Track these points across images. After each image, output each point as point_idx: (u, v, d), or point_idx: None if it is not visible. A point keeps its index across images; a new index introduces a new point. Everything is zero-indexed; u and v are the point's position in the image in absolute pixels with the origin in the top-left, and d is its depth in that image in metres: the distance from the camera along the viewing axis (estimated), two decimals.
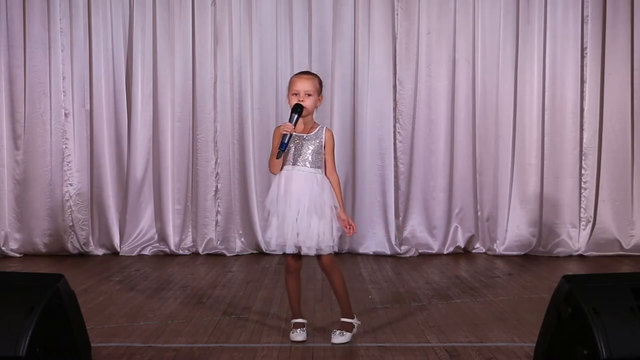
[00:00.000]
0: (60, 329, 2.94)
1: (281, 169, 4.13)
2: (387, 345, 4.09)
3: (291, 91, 4.14)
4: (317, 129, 4.17)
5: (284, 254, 4.18)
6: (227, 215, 7.34)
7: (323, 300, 5.17)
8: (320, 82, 4.21)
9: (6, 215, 7.26)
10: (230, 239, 7.33)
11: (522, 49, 7.26)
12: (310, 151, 4.10)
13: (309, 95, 4.10)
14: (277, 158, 4.06)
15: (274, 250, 4.17)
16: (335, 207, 4.12)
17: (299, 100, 4.09)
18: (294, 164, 4.10)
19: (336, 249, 4.23)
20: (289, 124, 4.02)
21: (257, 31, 7.30)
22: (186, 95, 7.31)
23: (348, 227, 4.13)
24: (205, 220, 7.32)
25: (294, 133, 4.06)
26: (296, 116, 4.04)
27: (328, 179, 4.15)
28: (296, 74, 4.26)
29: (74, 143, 7.32)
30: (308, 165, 4.10)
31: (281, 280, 5.96)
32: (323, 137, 4.15)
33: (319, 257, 4.14)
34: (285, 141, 4.00)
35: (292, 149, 4.09)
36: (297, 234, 4.04)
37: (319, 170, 4.13)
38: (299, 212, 4.04)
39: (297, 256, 4.16)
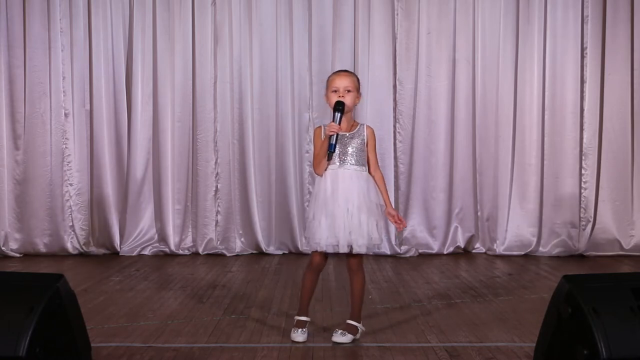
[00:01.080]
0: (60, 329, 2.94)
1: (326, 169, 4.11)
2: (387, 345, 4.09)
3: (330, 89, 4.11)
4: (359, 126, 4.17)
5: (313, 251, 4.14)
6: (227, 215, 7.34)
7: (323, 300, 5.17)
8: (358, 80, 4.21)
9: (6, 215, 7.26)
10: (230, 239, 7.33)
11: (522, 49, 7.26)
12: (354, 149, 4.10)
13: (349, 91, 4.09)
14: (328, 160, 4.05)
15: (322, 249, 4.09)
16: (381, 204, 4.11)
17: (339, 97, 4.06)
18: (339, 163, 4.09)
19: (381, 247, 4.22)
20: (334, 124, 4.00)
21: (257, 31, 7.31)
22: (186, 95, 7.31)
23: (398, 222, 4.14)
24: (205, 220, 7.32)
25: (341, 131, 4.04)
26: (339, 115, 4.02)
27: (372, 176, 4.15)
28: (334, 72, 4.25)
29: (74, 143, 7.32)
30: (353, 163, 4.09)
31: (281, 280, 5.97)
32: (365, 135, 4.15)
33: (348, 257, 4.13)
34: (333, 142, 4.00)
35: (337, 148, 4.08)
36: (350, 233, 4.03)
37: (364, 168, 4.13)
38: (349, 210, 4.03)
39: (325, 255, 4.14)
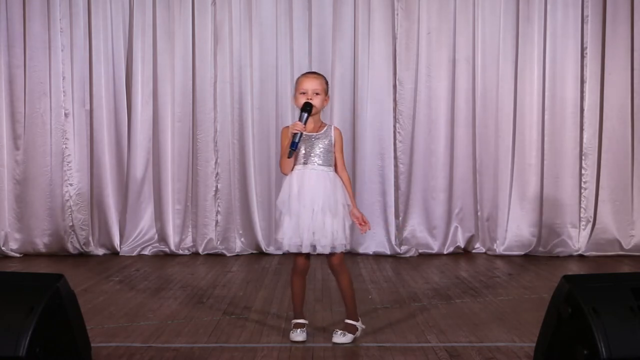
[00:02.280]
0: (60, 329, 2.94)
1: (292, 168, 4.12)
2: (387, 345, 4.09)
3: (299, 90, 4.13)
4: (326, 127, 4.18)
5: (294, 253, 4.17)
6: (227, 215, 7.34)
7: (323, 300, 5.17)
8: (327, 82, 4.22)
9: (6, 215, 7.26)
10: (230, 239, 7.33)
11: (522, 48, 7.26)
12: (320, 150, 4.11)
13: (317, 94, 4.11)
14: (288, 157, 4.06)
15: (287, 251, 4.14)
16: (348, 205, 4.12)
17: (308, 99, 4.08)
18: (305, 163, 4.10)
19: (348, 247, 4.23)
20: (299, 123, 4.02)
21: (257, 31, 7.31)
22: (186, 95, 7.32)
23: (362, 224, 4.14)
24: (205, 220, 7.32)
25: (304, 132, 4.06)
26: (306, 115, 4.04)
27: (339, 177, 4.16)
28: (303, 74, 4.27)
29: (74, 143, 7.32)
30: (320, 163, 4.10)
31: (281, 280, 5.96)
32: (332, 136, 4.16)
33: (329, 257, 4.14)
34: (296, 140, 4.01)
35: (303, 149, 4.09)
36: (313, 233, 4.04)
37: (330, 168, 4.13)
38: (314, 211, 4.04)
39: (307, 256, 4.16)
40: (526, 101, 7.30)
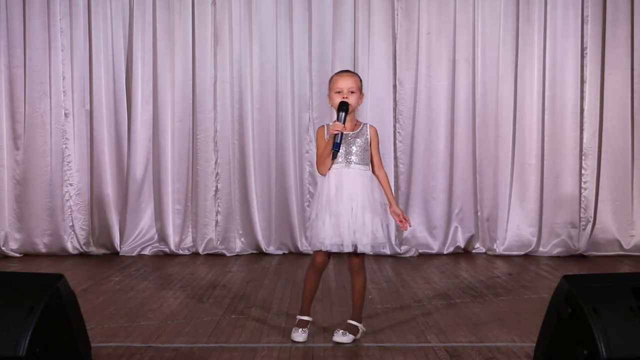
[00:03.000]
0: (60, 329, 2.94)
1: (329, 168, 4.11)
2: (387, 345, 4.09)
3: (333, 89, 4.12)
4: (362, 126, 4.18)
5: (314, 251, 4.15)
6: (227, 215, 7.34)
7: (323, 300, 5.17)
8: (361, 80, 4.21)
9: (6, 215, 7.26)
10: (230, 239, 7.33)
11: (522, 48, 7.26)
12: (357, 148, 4.10)
13: (352, 92, 4.10)
14: (333, 158, 4.05)
15: (326, 249, 4.08)
16: (385, 203, 4.12)
17: (344, 98, 4.07)
18: (343, 163, 4.09)
19: (387, 247, 4.22)
20: (338, 123, 4.00)
21: (257, 31, 7.31)
22: (186, 95, 7.31)
23: (403, 221, 4.14)
24: (205, 220, 7.32)
25: (345, 130, 4.04)
26: (343, 114, 4.03)
27: (376, 175, 4.15)
28: (337, 73, 4.24)
29: (74, 143, 7.32)
30: (357, 162, 4.09)
31: (281, 280, 5.96)
32: (368, 134, 4.16)
33: (350, 256, 4.12)
34: (338, 141, 4.00)
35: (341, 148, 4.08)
36: (354, 232, 4.02)
37: (367, 167, 4.13)
38: (353, 210, 4.03)
39: (328, 255, 4.13)
40: (526, 101, 7.30)
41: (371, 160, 4.17)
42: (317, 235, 4.07)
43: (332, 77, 4.20)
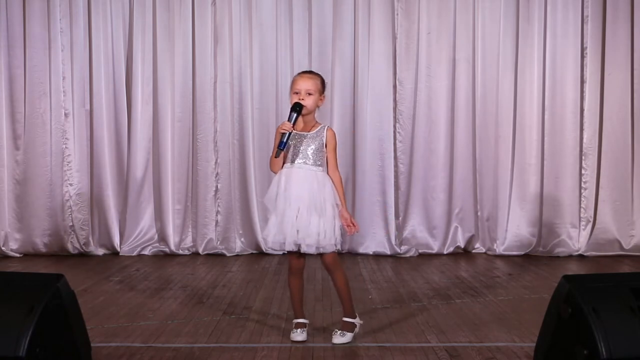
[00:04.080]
0: (60, 329, 2.94)
1: (281, 167, 4.13)
2: (387, 345, 4.09)
3: (292, 90, 4.16)
4: (319, 127, 4.18)
5: (287, 253, 4.20)
6: (227, 215, 7.34)
7: (323, 300, 5.17)
8: (323, 82, 4.21)
9: (6, 215, 7.26)
10: (230, 239, 7.33)
11: (522, 49, 7.26)
12: (311, 149, 4.11)
13: (310, 94, 4.11)
14: (276, 157, 4.08)
15: (273, 249, 4.18)
16: (337, 205, 4.12)
17: (300, 99, 4.09)
18: (293, 162, 4.11)
19: (339, 247, 4.23)
20: (287, 123, 4.04)
21: (257, 31, 7.31)
22: (186, 95, 7.31)
23: (350, 226, 4.14)
24: (205, 220, 7.32)
25: (294, 131, 4.07)
26: (295, 115, 4.06)
27: (330, 177, 4.15)
28: (298, 73, 4.28)
29: (74, 143, 7.32)
30: (309, 163, 4.10)
31: (281, 280, 5.96)
32: (325, 136, 4.15)
33: (322, 256, 4.14)
34: (285, 140, 4.02)
35: (292, 148, 4.10)
36: (297, 232, 4.05)
37: (320, 168, 4.13)
38: (299, 210, 4.05)
39: (300, 255, 4.16)
40: (526, 101, 7.30)
41: (327, 163, 4.16)
42: (263, 233, 4.14)
43: (293, 77, 4.25)
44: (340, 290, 4.22)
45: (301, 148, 4.10)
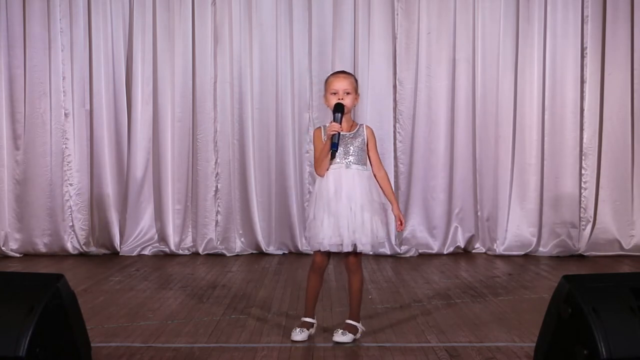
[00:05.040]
0: (60, 329, 2.94)
1: (327, 169, 4.11)
2: (387, 345, 4.09)
3: (329, 91, 4.13)
4: (358, 126, 4.19)
5: (315, 251, 4.16)
6: (227, 215, 7.33)
7: (323, 300, 5.17)
8: (356, 80, 4.22)
9: (6, 215, 7.26)
10: (230, 239, 7.33)
11: (522, 49, 7.26)
12: (354, 149, 4.11)
13: (348, 93, 4.11)
14: (331, 159, 4.06)
15: (326, 249, 4.09)
16: (384, 202, 4.14)
17: (339, 99, 4.08)
18: (340, 162, 4.10)
19: (386, 246, 4.24)
20: (335, 123, 4.02)
21: (257, 31, 7.30)
22: (186, 95, 7.31)
23: (400, 223, 4.15)
24: (205, 220, 7.32)
25: (342, 131, 4.06)
26: (340, 115, 4.04)
27: (375, 175, 4.16)
28: (333, 74, 4.26)
29: (74, 143, 7.32)
30: (355, 162, 4.11)
31: (281, 280, 5.97)
32: (365, 134, 4.17)
33: (347, 256, 4.13)
34: (336, 141, 4.01)
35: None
36: (354, 232, 4.04)
37: (365, 167, 4.14)
38: (352, 209, 4.04)
39: (327, 255, 4.14)
40: (526, 101, 7.30)
41: (370, 161, 4.17)
42: (315, 236, 4.08)
43: (327, 78, 4.22)
44: (353, 293, 4.21)
45: (345, 148, 4.10)
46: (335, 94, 4.10)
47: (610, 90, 7.25)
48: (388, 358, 3.85)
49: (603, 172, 7.28)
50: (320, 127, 4.20)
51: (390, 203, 4.19)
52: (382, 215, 4.12)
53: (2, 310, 2.74)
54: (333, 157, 4.06)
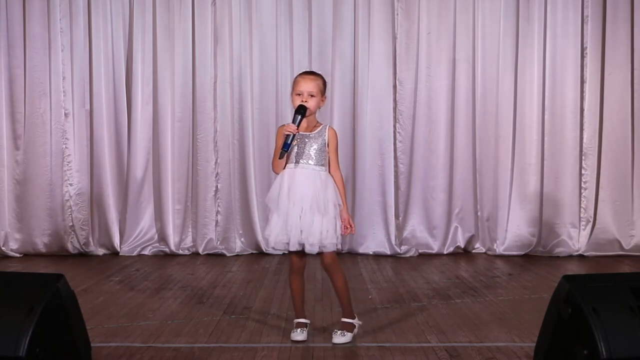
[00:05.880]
0: (60, 329, 2.94)
1: (284, 167, 4.13)
2: (387, 345, 4.09)
3: (295, 91, 4.14)
4: (320, 127, 4.18)
5: (288, 252, 4.20)
6: (227, 215, 7.34)
7: (323, 300, 5.17)
8: (324, 83, 4.20)
9: (6, 215, 7.26)
10: (230, 239, 7.33)
11: (522, 49, 7.26)
12: (313, 149, 4.11)
13: (312, 96, 4.10)
14: (280, 158, 4.08)
15: (274, 249, 4.17)
16: (339, 204, 4.12)
17: (302, 101, 4.09)
18: (296, 163, 4.11)
19: (340, 247, 4.23)
20: (292, 125, 4.03)
21: (257, 31, 7.31)
22: (186, 95, 7.31)
23: (347, 227, 4.14)
24: (205, 220, 7.32)
25: (297, 132, 4.06)
26: (299, 117, 4.05)
27: (332, 176, 4.16)
28: (300, 74, 4.25)
29: (74, 143, 7.32)
30: (311, 163, 4.10)
31: (281, 280, 5.96)
32: (326, 136, 4.16)
33: (321, 256, 4.14)
34: (289, 142, 4.02)
35: (295, 148, 4.10)
36: (301, 232, 4.04)
37: (323, 168, 4.13)
38: (302, 209, 4.05)
39: (301, 255, 4.16)
40: (526, 101, 7.30)
41: (329, 162, 4.17)
42: (264, 233, 4.14)
43: (295, 78, 4.22)
44: (339, 291, 4.22)
45: (304, 148, 4.10)
46: (300, 95, 4.11)
47: (610, 90, 7.25)
48: (388, 358, 3.85)
49: (603, 172, 7.28)
50: (283, 125, 4.17)
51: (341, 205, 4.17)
52: (335, 217, 4.08)
53: (2, 310, 2.75)
54: (282, 156, 4.06)
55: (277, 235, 4.09)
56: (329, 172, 4.16)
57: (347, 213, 4.17)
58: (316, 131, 4.15)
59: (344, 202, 4.17)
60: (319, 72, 4.36)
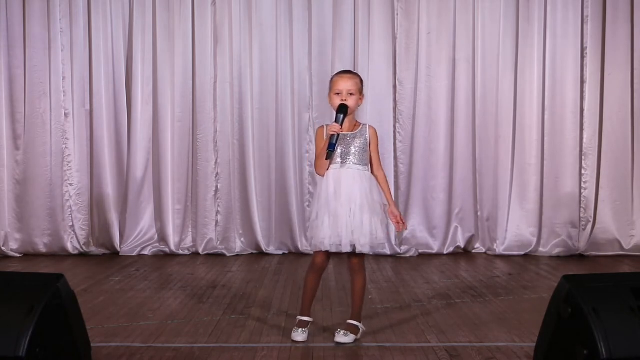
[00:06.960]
0: (60, 329, 2.94)
1: (328, 168, 4.11)
2: (387, 345, 4.09)
3: (333, 91, 4.12)
4: (361, 126, 4.18)
5: (315, 251, 4.16)
6: (227, 215, 7.34)
7: (323, 300, 5.17)
8: (362, 81, 4.21)
9: (6, 215, 7.26)
10: (230, 239, 7.33)
11: (522, 49, 7.26)
12: (356, 149, 4.11)
13: (352, 94, 4.10)
14: (327, 159, 4.06)
15: (326, 249, 4.07)
16: (384, 204, 4.13)
17: (342, 100, 4.07)
18: (342, 163, 4.10)
19: (387, 247, 4.23)
20: (336, 124, 4.01)
21: (257, 31, 7.31)
22: (186, 95, 7.31)
23: (400, 222, 4.16)
24: (205, 220, 7.32)
25: (341, 132, 4.05)
26: (342, 116, 4.04)
27: (375, 176, 4.16)
28: (337, 73, 4.24)
29: (74, 143, 7.32)
30: (356, 162, 4.10)
31: (281, 280, 5.97)
32: (368, 135, 4.17)
33: (350, 256, 4.13)
34: (334, 142, 4.02)
35: (339, 148, 4.08)
36: (352, 232, 4.03)
37: (366, 167, 4.13)
38: (351, 210, 4.03)
39: (327, 255, 4.14)
40: (526, 101, 7.30)
41: (370, 161, 4.17)
42: (316, 236, 4.07)
43: (332, 77, 4.20)
44: (356, 293, 4.21)
45: (347, 148, 4.10)
46: (338, 94, 4.10)
47: (610, 90, 7.25)
48: (388, 358, 3.85)
49: (603, 172, 7.28)
50: (323, 126, 4.18)
51: (388, 204, 4.18)
52: (382, 216, 4.11)
53: (2, 310, 2.75)
54: (329, 157, 4.06)
55: (330, 237, 4.03)
56: (372, 171, 4.16)
57: (397, 210, 4.19)
58: (357, 130, 4.16)
59: (391, 199, 4.19)
60: (356, 71, 4.36)
